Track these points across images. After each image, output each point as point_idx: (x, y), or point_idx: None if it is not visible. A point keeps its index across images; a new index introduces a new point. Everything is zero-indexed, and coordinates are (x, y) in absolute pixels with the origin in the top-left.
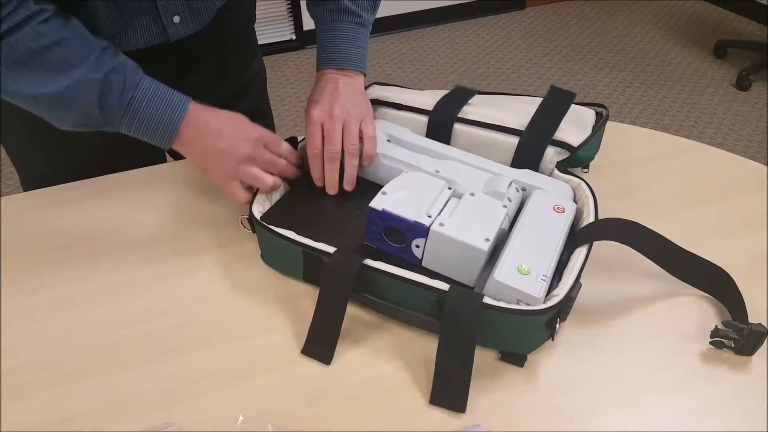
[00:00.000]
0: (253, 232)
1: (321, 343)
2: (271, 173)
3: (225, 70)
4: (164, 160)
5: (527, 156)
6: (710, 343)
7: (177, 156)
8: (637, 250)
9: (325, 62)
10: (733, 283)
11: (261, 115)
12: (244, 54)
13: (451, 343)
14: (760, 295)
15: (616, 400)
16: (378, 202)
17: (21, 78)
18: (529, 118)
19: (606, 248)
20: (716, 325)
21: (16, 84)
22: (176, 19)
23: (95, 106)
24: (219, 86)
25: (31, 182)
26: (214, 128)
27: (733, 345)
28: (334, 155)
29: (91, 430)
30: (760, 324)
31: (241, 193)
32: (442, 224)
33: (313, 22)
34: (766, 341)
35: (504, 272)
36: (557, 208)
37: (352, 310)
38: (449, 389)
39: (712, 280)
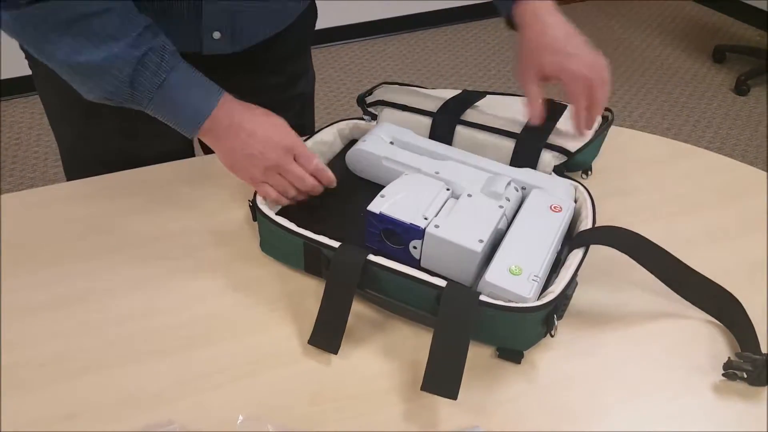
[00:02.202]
0: (255, 219)
1: (328, 333)
2: (297, 187)
3: (258, 90)
4: (190, 147)
5: (522, 161)
6: (723, 375)
7: (207, 150)
8: (640, 264)
9: None
10: (742, 308)
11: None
12: (284, 78)
13: (446, 331)
14: (759, 301)
15: (615, 401)
16: (376, 205)
17: (59, 41)
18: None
19: (609, 252)
20: (729, 357)
21: (53, 46)
22: (216, 35)
23: (127, 83)
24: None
25: (65, 152)
26: (248, 128)
27: (746, 376)
28: None
29: (92, 427)
30: None
31: (271, 192)
32: (437, 226)
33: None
34: None
35: (495, 273)
36: (554, 207)
37: (356, 308)
38: (442, 376)
39: (720, 305)
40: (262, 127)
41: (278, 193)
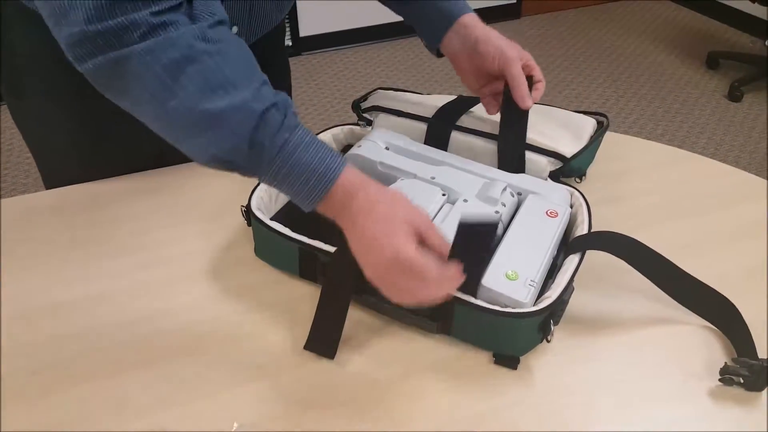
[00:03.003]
0: (249, 225)
1: (324, 339)
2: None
3: None
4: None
5: (508, 166)
6: (720, 380)
7: None
8: (637, 269)
9: (466, 7)
10: (739, 314)
11: None
12: (278, 69)
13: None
14: (756, 306)
15: (612, 407)
16: None
17: (173, 83)
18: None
19: (605, 258)
20: (726, 362)
21: (167, 90)
22: (234, 29)
23: (246, 139)
24: None
25: (54, 182)
26: (372, 219)
27: (742, 381)
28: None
29: None
30: None
31: (402, 300)
32: None
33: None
34: None
35: (492, 278)
36: (550, 212)
37: (352, 314)
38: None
39: (716, 310)
40: (383, 210)
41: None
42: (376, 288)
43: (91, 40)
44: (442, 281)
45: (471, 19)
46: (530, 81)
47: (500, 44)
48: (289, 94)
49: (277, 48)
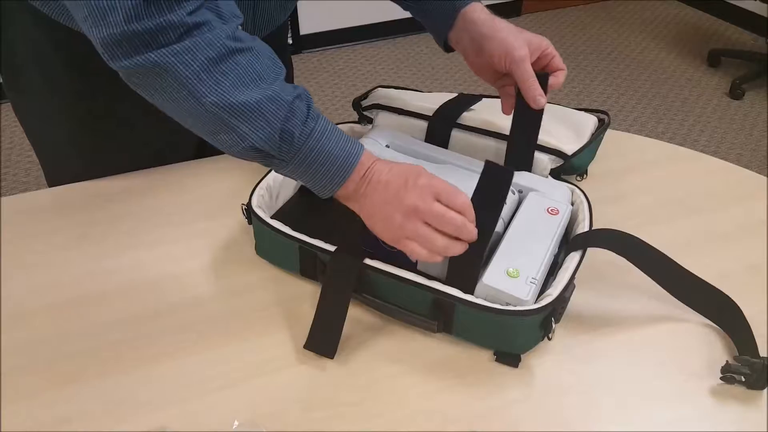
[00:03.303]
0: (250, 223)
1: (324, 338)
2: (444, 233)
3: None
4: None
5: (516, 162)
6: (721, 378)
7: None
8: (638, 267)
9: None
10: (740, 311)
11: None
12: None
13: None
14: (756, 304)
15: (613, 406)
16: None
17: (210, 80)
18: None
19: (606, 256)
20: (727, 361)
21: (205, 86)
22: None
23: (278, 129)
24: None
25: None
26: (384, 180)
27: (744, 380)
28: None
29: None
30: None
31: (417, 248)
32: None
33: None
34: None
35: (493, 276)
36: (551, 210)
37: (353, 313)
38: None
39: (718, 308)
40: (397, 173)
41: (425, 248)
42: (386, 259)
43: (130, 40)
44: (462, 228)
45: (476, 13)
46: (544, 79)
47: (507, 42)
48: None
49: (280, 46)
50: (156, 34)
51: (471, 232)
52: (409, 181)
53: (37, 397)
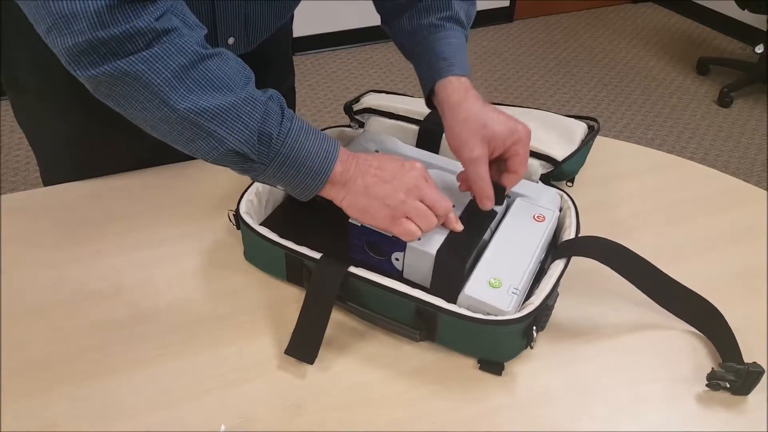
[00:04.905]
0: (238, 228)
1: (305, 344)
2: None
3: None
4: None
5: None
6: (707, 385)
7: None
8: (622, 276)
9: (447, 69)
10: (723, 319)
11: None
12: (279, 70)
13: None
14: (743, 311)
15: (598, 413)
16: None
17: (182, 87)
18: None
19: (591, 263)
20: (713, 367)
21: (177, 93)
22: (230, 40)
23: (256, 131)
24: None
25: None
26: (375, 164)
27: (728, 386)
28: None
29: None
30: (755, 363)
31: (413, 227)
32: (419, 238)
33: (302, 31)
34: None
35: (475, 286)
36: (537, 216)
37: (338, 317)
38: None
39: (702, 316)
40: (387, 159)
41: (423, 225)
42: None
43: (97, 48)
44: (441, 201)
45: (446, 92)
46: (500, 189)
47: (461, 139)
48: (293, 94)
49: (281, 49)
50: (123, 42)
51: (454, 221)
52: (405, 163)
53: (19, 403)
